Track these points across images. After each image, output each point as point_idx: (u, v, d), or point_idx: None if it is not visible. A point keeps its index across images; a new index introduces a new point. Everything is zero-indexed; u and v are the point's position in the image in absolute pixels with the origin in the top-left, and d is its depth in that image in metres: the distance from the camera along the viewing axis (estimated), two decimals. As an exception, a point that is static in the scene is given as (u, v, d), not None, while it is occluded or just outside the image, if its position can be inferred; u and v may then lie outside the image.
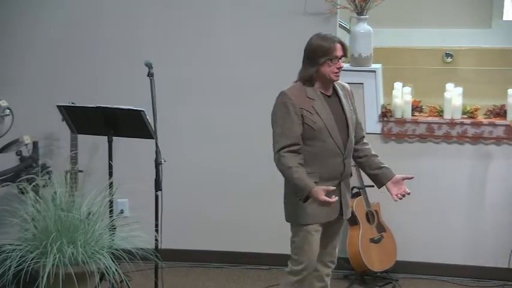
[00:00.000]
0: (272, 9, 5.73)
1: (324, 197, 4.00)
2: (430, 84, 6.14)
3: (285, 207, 4.30)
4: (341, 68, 4.14)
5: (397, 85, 5.67)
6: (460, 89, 5.61)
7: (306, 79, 4.15)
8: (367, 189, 5.49)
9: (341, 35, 5.86)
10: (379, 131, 5.65)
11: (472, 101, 5.67)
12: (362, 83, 5.66)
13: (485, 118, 5.59)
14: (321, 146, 4.12)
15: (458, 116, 5.58)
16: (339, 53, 4.10)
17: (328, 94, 4.19)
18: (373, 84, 5.65)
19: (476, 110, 5.60)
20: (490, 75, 6.55)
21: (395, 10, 6.53)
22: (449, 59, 6.73)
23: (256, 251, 5.88)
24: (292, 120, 4.09)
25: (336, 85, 4.24)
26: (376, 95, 5.65)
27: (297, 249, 4.28)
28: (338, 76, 4.14)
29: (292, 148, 4.10)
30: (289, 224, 4.15)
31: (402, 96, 5.64)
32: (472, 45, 6.79)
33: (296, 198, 4.15)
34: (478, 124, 5.55)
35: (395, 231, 5.53)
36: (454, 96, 5.58)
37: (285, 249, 5.78)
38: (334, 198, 4.03)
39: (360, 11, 5.59)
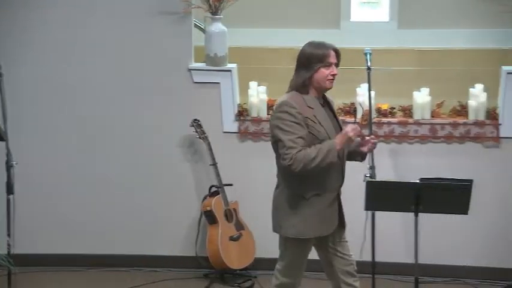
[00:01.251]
0: (127, 9, 5.69)
1: (349, 129, 3.95)
2: (285, 84, 6.23)
3: (279, 219, 4.08)
4: (335, 75, 4.06)
5: (253, 84, 5.76)
6: (313, 88, 5.76)
7: (300, 85, 4.04)
8: (225, 188, 5.55)
9: (196, 34, 5.89)
10: (235, 130, 5.71)
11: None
12: (219, 83, 5.71)
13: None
14: None
15: (312, 114, 5.73)
16: (333, 60, 4.05)
17: (321, 103, 4.10)
18: (229, 84, 5.71)
19: (328, 108, 5.78)
20: (340, 75, 6.75)
21: (249, 10, 6.62)
22: (303, 59, 6.89)
23: (115, 252, 5.80)
24: (300, 129, 3.93)
25: (325, 94, 4.16)
26: (232, 94, 5.72)
27: (290, 264, 4.15)
28: (332, 83, 4.06)
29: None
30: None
31: (258, 95, 5.74)
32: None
33: (295, 209, 4.00)
34: (331, 122, 5.73)
35: (254, 228, 5.61)
36: (307, 95, 5.72)
37: (146, 250, 5.80)
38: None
39: (214, 11, 5.64)
